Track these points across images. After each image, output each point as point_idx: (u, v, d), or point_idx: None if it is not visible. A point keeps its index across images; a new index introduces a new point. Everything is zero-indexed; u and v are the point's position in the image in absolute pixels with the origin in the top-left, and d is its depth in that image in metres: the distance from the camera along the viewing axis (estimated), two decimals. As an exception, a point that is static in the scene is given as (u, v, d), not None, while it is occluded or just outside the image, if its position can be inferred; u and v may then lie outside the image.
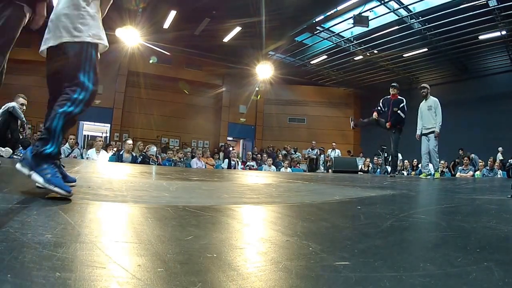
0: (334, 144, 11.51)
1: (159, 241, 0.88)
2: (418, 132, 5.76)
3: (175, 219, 1.18)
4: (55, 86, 1.58)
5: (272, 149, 12.42)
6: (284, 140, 14.12)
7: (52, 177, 1.35)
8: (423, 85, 5.94)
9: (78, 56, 1.49)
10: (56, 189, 1.32)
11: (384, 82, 13.80)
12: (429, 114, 5.63)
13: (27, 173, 1.36)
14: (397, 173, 6.52)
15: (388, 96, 5.99)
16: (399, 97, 5.91)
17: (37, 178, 1.35)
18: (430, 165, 6.28)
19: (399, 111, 5.73)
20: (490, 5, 8.17)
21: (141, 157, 7.00)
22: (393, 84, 6.06)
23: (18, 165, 1.38)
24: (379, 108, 5.99)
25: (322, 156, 10.95)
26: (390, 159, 6.66)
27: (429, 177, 5.68)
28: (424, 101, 5.82)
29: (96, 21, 1.56)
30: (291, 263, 0.77)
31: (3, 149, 4.06)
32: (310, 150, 11.44)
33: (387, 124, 5.80)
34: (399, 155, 9.56)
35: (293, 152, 11.84)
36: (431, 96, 5.77)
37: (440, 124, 5.52)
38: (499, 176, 7.51)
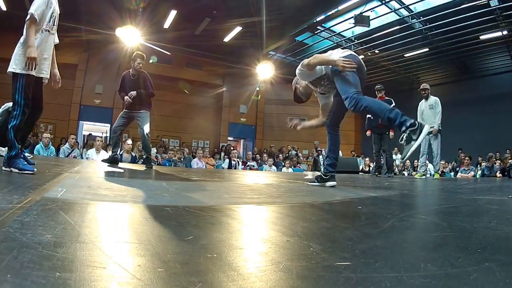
0: None
1: (159, 241, 0.88)
2: None
3: (175, 219, 1.17)
4: None
5: (280, 151, 12.29)
6: (285, 140, 14.09)
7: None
8: (424, 86, 5.92)
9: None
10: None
11: (385, 82, 13.76)
12: (431, 113, 5.64)
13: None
14: (393, 174, 6.52)
15: (376, 99, 6.01)
16: (386, 98, 5.93)
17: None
18: (429, 165, 6.27)
19: None
20: (491, 5, 8.16)
21: (142, 160, 7.01)
22: (377, 87, 6.10)
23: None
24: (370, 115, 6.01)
25: (320, 156, 10.94)
26: (385, 160, 6.65)
27: (423, 177, 5.65)
28: (424, 100, 5.82)
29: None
30: (291, 263, 0.76)
31: (3, 148, 4.05)
32: (314, 150, 11.43)
33: (390, 131, 5.81)
34: (399, 155, 9.59)
35: (295, 152, 11.81)
36: (431, 96, 5.79)
37: (440, 122, 5.52)
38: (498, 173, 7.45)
